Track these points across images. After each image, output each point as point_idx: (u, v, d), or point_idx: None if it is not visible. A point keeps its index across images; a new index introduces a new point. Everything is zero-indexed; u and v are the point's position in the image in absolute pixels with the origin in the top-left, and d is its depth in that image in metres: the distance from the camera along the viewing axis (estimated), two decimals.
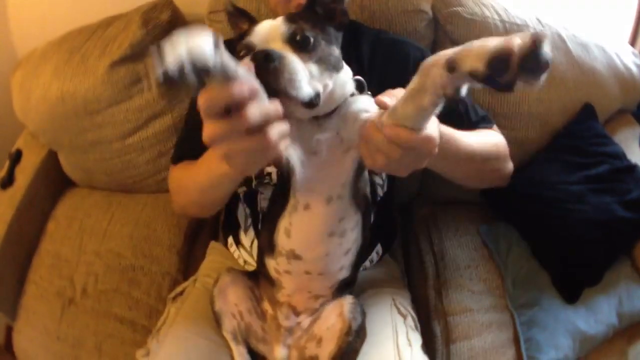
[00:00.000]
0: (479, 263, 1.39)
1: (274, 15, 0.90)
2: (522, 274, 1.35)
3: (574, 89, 1.51)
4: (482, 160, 1.07)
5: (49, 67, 1.57)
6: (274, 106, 0.68)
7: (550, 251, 1.35)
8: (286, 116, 0.71)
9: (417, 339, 1.13)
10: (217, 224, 1.46)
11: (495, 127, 1.22)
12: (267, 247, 1.00)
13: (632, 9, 1.84)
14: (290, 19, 0.82)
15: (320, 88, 0.79)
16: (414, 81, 0.70)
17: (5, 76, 1.71)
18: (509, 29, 1.46)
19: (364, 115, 0.82)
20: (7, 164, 1.68)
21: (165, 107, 1.54)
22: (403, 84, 1.13)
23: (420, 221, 1.56)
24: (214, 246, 1.40)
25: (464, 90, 0.65)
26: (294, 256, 0.95)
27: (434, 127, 0.76)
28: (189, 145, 1.23)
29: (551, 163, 1.46)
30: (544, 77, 0.58)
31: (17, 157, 1.69)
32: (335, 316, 1.00)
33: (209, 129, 0.68)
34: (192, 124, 1.25)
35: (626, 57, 1.64)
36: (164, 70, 0.58)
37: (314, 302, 1.04)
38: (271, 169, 1.10)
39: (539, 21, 1.52)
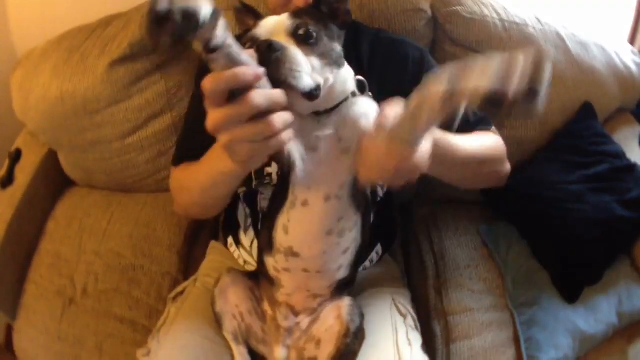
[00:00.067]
0: (479, 263, 1.40)
1: None
2: (522, 274, 1.35)
3: (573, 88, 1.51)
4: (479, 164, 1.08)
5: (48, 67, 1.56)
6: (279, 93, 0.69)
7: (550, 251, 1.35)
8: (288, 109, 0.73)
9: (417, 339, 1.13)
10: (217, 224, 1.46)
11: (493, 128, 1.23)
12: (266, 245, 1.00)
13: (631, 8, 1.85)
14: (296, 14, 0.84)
15: (321, 81, 0.81)
16: (412, 101, 0.71)
17: (5, 75, 1.71)
18: (508, 28, 1.46)
19: (363, 123, 0.85)
20: (6, 163, 1.68)
21: (165, 107, 1.54)
22: (402, 84, 1.13)
23: (420, 221, 1.56)
24: (214, 246, 1.40)
25: (460, 112, 0.67)
26: (292, 253, 0.95)
27: (427, 142, 0.79)
28: (189, 144, 1.23)
29: (551, 162, 1.46)
30: (540, 106, 0.60)
31: (16, 156, 1.69)
32: (333, 318, 1.00)
33: (213, 116, 0.69)
34: (192, 123, 1.25)
35: (625, 56, 1.64)
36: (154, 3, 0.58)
37: (312, 301, 1.04)
38: (271, 170, 1.10)
39: (538, 20, 1.52)
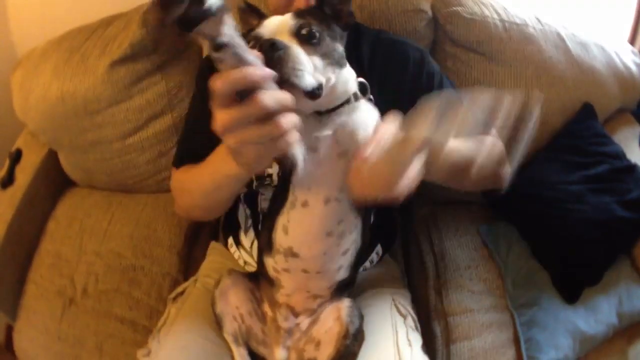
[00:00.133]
0: (479, 263, 1.40)
1: None
2: (522, 274, 1.35)
3: (573, 88, 1.51)
4: (477, 170, 1.08)
5: (48, 67, 1.57)
6: (287, 95, 0.69)
7: (550, 251, 1.35)
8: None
9: (417, 339, 1.13)
10: (217, 225, 1.46)
11: (493, 131, 1.22)
12: (265, 245, 1.00)
13: (632, 8, 1.84)
14: (299, 14, 0.85)
15: (322, 80, 0.81)
16: (397, 135, 0.74)
17: (5, 76, 1.71)
18: (508, 28, 1.46)
19: (361, 134, 0.86)
20: (7, 163, 1.68)
21: (166, 107, 1.54)
22: (402, 85, 1.14)
23: (420, 221, 1.56)
24: (214, 246, 1.40)
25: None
26: (291, 254, 0.95)
27: (418, 160, 0.79)
28: (189, 145, 1.24)
29: (551, 163, 1.46)
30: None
31: (17, 156, 1.69)
32: (332, 320, 1.01)
33: (221, 116, 0.69)
34: (192, 123, 1.25)
35: (625, 56, 1.64)
36: None
37: (312, 302, 1.04)
38: (272, 170, 1.10)
39: (539, 20, 1.52)
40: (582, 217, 1.33)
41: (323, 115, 0.88)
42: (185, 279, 1.41)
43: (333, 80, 0.85)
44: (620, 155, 1.47)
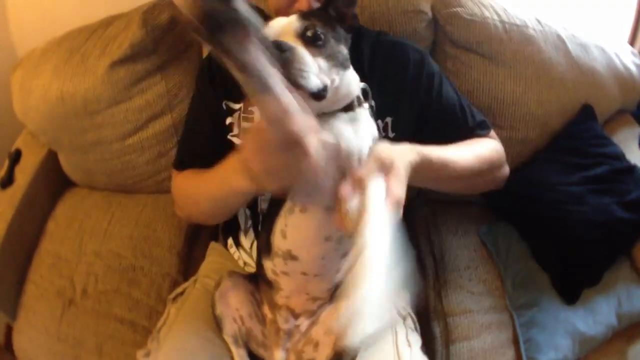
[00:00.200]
0: (478, 264, 1.40)
1: None
2: (522, 275, 1.35)
3: (573, 89, 1.51)
4: (475, 175, 1.10)
5: (48, 67, 1.57)
6: (311, 120, 0.71)
7: (550, 252, 1.35)
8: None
9: (416, 340, 1.13)
10: (217, 225, 1.46)
11: (492, 132, 1.23)
12: (264, 248, 1.00)
13: (631, 9, 1.84)
14: (304, 16, 0.87)
15: (327, 81, 0.83)
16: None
17: (5, 76, 1.71)
18: (508, 29, 1.46)
19: (354, 157, 0.84)
20: (6, 163, 1.68)
21: (165, 108, 1.54)
22: (402, 86, 1.15)
23: (420, 222, 1.56)
24: (214, 247, 1.40)
25: None
26: (290, 257, 0.95)
27: (403, 186, 0.82)
28: (190, 145, 1.24)
29: (551, 164, 1.46)
30: None
31: (16, 156, 1.69)
32: (331, 321, 1.01)
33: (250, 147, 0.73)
34: (192, 124, 1.26)
35: (625, 57, 1.64)
36: None
37: (311, 304, 1.04)
38: None
39: (539, 21, 1.52)
40: (582, 218, 1.33)
41: (326, 117, 0.88)
42: (185, 279, 1.41)
43: (337, 81, 0.86)
44: (620, 157, 1.47)
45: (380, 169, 0.82)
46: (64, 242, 1.57)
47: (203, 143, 1.20)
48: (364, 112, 0.93)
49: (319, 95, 0.81)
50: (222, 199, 1.02)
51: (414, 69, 1.16)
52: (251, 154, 0.75)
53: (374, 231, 0.73)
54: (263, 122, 0.71)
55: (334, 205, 0.88)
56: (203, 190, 1.06)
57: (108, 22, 1.58)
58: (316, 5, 1.05)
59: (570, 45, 1.52)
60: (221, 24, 0.60)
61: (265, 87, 0.65)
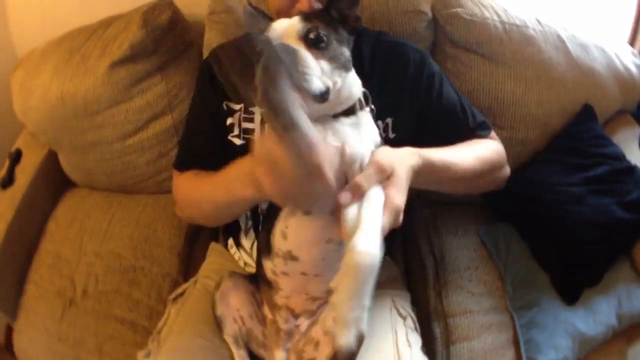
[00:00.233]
0: (478, 264, 1.40)
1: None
2: (522, 275, 1.35)
3: (574, 89, 1.51)
4: (476, 177, 1.11)
5: (49, 67, 1.57)
6: (331, 148, 0.75)
7: (550, 252, 1.35)
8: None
9: (416, 340, 1.13)
10: (218, 226, 1.47)
11: (492, 133, 1.23)
12: (264, 248, 1.00)
13: (632, 9, 1.84)
14: (306, 18, 0.87)
15: (330, 84, 0.83)
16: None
17: (5, 76, 1.71)
18: (508, 29, 1.46)
19: (357, 164, 0.85)
20: (7, 163, 1.68)
21: (166, 108, 1.54)
22: (402, 86, 1.15)
23: (420, 222, 1.56)
24: (214, 247, 1.40)
25: None
26: (291, 257, 0.95)
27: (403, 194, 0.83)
28: (190, 145, 1.24)
29: (551, 164, 1.46)
30: None
31: (17, 157, 1.69)
32: (331, 320, 1.01)
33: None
34: (193, 124, 1.26)
35: (625, 58, 1.64)
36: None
37: (311, 304, 1.04)
38: None
39: (539, 22, 1.52)
40: (582, 219, 1.33)
41: (328, 121, 0.88)
42: (185, 279, 1.41)
43: (339, 84, 0.86)
44: (620, 157, 1.47)
45: (380, 176, 0.82)
46: (64, 242, 1.57)
47: (203, 143, 1.20)
48: (366, 116, 0.93)
49: (321, 97, 0.81)
50: (226, 205, 1.03)
51: (415, 69, 1.16)
52: (267, 179, 0.76)
53: (366, 239, 0.74)
54: (275, 142, 0.72)
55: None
56: (206, 194, 1.07)
57: (108, 23, 1.58)
58: (317, 5, 1.04)
59: (570, 46, 1.52)
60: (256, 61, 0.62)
61: (292, 124, 0.66)
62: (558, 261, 1.33)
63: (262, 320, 1.08)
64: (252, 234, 1.24)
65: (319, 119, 0.87)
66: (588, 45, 1.56)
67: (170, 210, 1.53)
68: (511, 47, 1.45)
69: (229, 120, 1.16)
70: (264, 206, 1.17)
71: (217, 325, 1.08)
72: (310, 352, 1.01)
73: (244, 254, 1.27)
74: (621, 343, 1.29)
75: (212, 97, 1.18)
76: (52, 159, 1.71)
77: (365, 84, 0.96)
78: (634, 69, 1.64)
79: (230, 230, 1.31)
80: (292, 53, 0.78)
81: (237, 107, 1.16)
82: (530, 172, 1.46)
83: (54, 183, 1.72)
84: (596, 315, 1.28)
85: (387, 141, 0.95)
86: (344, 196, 0.79)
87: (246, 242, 1.26)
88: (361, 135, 0.89)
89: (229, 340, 1.06)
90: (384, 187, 0.82)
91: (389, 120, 1.13)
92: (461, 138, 1.15)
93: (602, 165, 1.43)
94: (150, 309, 1.40)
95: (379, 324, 1.11)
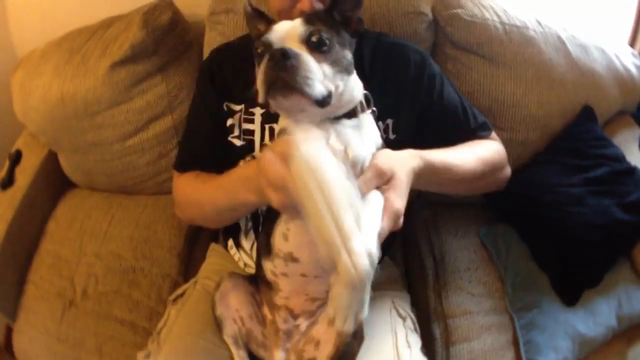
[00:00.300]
0: (478, 265, 1.40)
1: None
2: (522, 277, 1.35)
3: (574, 90, 1.51)
4: (477, 178, 1.11)
5: (49, 68, 1.57)
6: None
7: (550, 253, 1.35)
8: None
9: (416, 341, 1.14)
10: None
11: (493, 134, 1.23)
12: (264, 249, 1.00)
13: (632, 10, 1.84)
14: (308, 20, 0.86)
15: (332, 88, 0.83)
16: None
17: (5, 76, 1.71)
18: (508, 30, 1.46)
19: (359, 166, 0.86)
20: (7, 164, 1.68)
21: (166, 109, 1.54)
22: (403, 87, 1.15)
23: (420, 223, 1.56)
24: (214, 248, 1.40)
25: None
26: (291, 259, 0.95)
27: (403, 200, 0.84)
28: (190, 146, 1.24)
29: (551, 165, 1.46)
30: None
31: (17, 157, 1.69)
32: (332, 309, 1.01)
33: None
34: (193, 125, 1.26)
35: (626, 59, 1.64)
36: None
37: (311, 304, 1.04)
38: None
39: (539, 23, 1.52)
40: (582, 220, 1.33)
41: (331, 123, 0.88)
42: (185, 280, 1.41)
43: (341, 87, 0.86)
44: (620, 158, 1.47)
45: (379, 180, 0.83)
46: (64, 243, 1.57)
47: (204, 144, 1.20)
48: (367, 118, 0.93)
49: (323, 102, 0.81)
50: (228, 208, 1.03)
51: (415, 70, 1.16)
52: (274, 195, 0.79)
53: (363, 239, 0.74)
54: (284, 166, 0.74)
55: None
56: (207, 197, 1.07)
57: (108, 23, 1.58)
58: (318, 5, 1.04)
59: (570, 47, 1.52)
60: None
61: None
62: (558, 262, 1.33)
63: (262, 321, 1.08)
64: (252, 235, 1.24)
65: (321, 122, 0.87)
66: (588, 46, 1.56)
67: (170, 211, 1.53)
68: (511, 48, 1.46)
69: (229, 121, 1.16)
70: (264, 208, 1.17)
71: (217, 325, 1.08)
72: (311, 352, 1.01)
73: (243, 255, 1.27)
74: (621, 344, 1.29)
75: (213, 97, 1.18)
76: (52, 159, 1.71)
77: (365, 85, 0.96)
78: (634, 70, 1.64)
79: (230, 231, 1.31)
80: (295, 57, 0.77)
81: (237, 108, 1.16)
82: (530, 173, 1.46)
83: (54, 184, 1.72)
84: (596, 317, 1.28)
85: (387, 142, 0.95)
86: None
87: (246, 243, 1.26)
88: (363, 137, 0.89)
89: (229, 340, 1.06)
90: (384, 191, 0.82)
91: (389, 122, 1.13)
92: (462, 139, 1.15)
93: (602, 167, 1.43)
94: (150, 310, 1.40)
95: (379, 325, 1.12)
